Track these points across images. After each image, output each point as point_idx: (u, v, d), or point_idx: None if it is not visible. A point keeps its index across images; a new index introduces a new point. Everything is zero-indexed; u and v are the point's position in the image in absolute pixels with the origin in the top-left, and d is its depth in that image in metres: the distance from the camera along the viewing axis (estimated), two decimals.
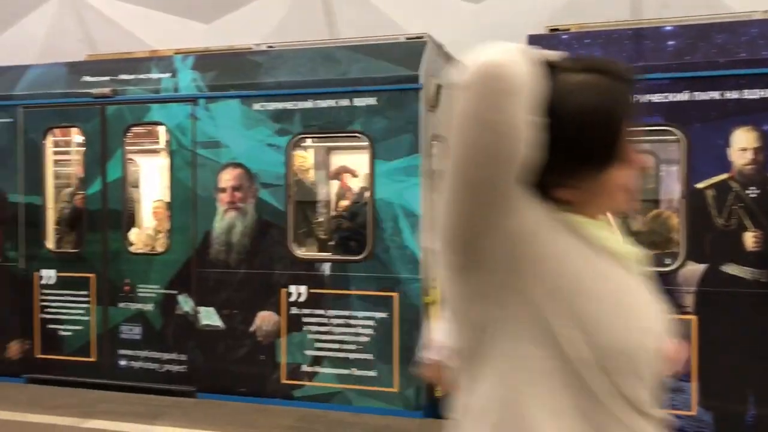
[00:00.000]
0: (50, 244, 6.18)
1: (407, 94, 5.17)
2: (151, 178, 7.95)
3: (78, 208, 6.48)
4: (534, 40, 4.79)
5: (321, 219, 6.42)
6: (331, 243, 6.16)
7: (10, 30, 9.22)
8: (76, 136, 7.19)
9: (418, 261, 5.16)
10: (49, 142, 6.20)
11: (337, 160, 7.65)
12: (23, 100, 6.13)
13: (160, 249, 6.19)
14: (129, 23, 8.69)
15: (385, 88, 5.20)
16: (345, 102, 5.31)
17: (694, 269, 4.59)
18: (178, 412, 5.25)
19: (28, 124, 6.11)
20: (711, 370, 4.52)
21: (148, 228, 7.18)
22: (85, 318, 5.98)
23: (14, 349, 6.17)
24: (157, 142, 7.48)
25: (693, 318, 4.56)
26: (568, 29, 5.29)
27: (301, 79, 5.44)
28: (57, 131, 6.50)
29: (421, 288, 5.17)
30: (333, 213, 6.37)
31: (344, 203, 6.82)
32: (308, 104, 5.38)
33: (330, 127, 5.43)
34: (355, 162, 7.44)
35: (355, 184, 7.32)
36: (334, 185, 7.42)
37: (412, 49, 5.34)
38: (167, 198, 7.46)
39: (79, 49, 8.50)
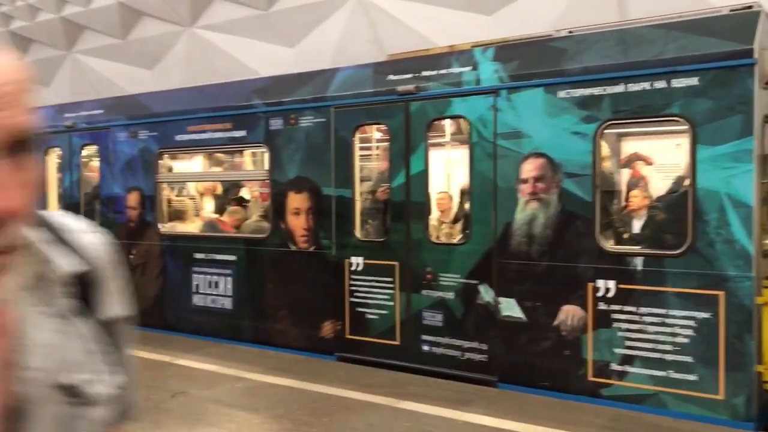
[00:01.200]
0: (358, 233, 6.65)
1: (738, 71, 4.65)
2: (435, 171, 8.18)
3: (380, 201, 6.90)
4: None
5: (623, 210, 6.08)
6: (638, 235, 5.80)
7: (308, 37, 10.06)
8: (376, 133, 7.67)
9: (750, 257, 4.63)
10: (357, 139, 6.66)
11: (629, 147, 7.23)
12: (335, 101, 6.65)
13: (455, 240, 6.33)
14: (414, 21, 9.02)
15: (710, 66, 4.74)
16: (661, 84, 4.94)
17: None
18: (484, 401, 5.31)
19: (338, 123, 6.62)
20: None
21: (431, 219, 7.39)
22: (390, 303, 6.33)
23: (327, 328, 6.75)
24: (443, 136, 7.69)
25: None
26: None
27: (611, 63, 5.18)
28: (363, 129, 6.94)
29: (754, 287, 4.64)
30: (636, 204, 5.99)
31: (640, 193, 6.40)
32: (618, 89, 5.10)
33: (643, 112, 5.08)
34: (647, 148, 6.98)
35: (649, 172, 6.86)
36: (625, 174, 7.02)
37: (743, 21, 4.79)
38: (451, 190, 7.72)
39: (369, 51, 9.06)
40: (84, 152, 9.08)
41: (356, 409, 5.14)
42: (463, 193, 7.37)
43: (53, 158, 9.53)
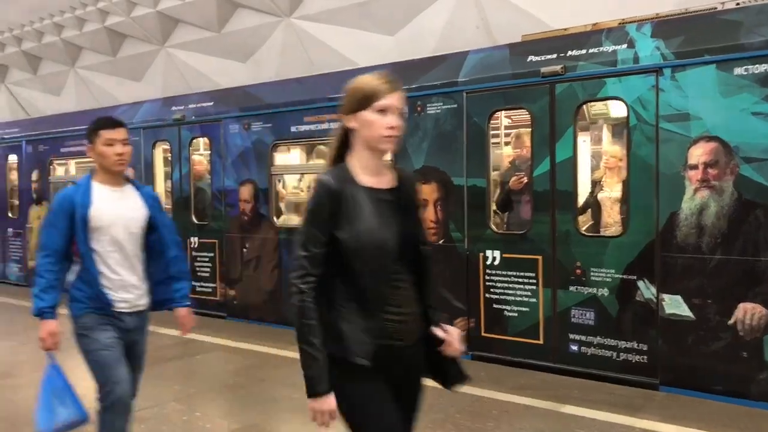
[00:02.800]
0: (494, 225, 6.28)
1: None
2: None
3: (512, 190, 6.52)
4: None
5: None
6: None
7: (407, 26, 9.68)
8: (504, 119, 7.29)
9: None
10: (491, 125, 6.29)
11: None
12: (467, 86, 6.29)
13: (615, 232, 5.88)
14: (526, 3, 8.51)
15: None
16: None
17: None
18: (654, 406, 4.88)
19: (471, 109, 6.27)
20: None
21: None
22: (533, 300, 5.95)
23: (459, 326, 6.41)
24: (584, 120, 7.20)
25: None
26: None
27: None
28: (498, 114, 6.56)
29: None
30: None
31: None
32: None
33: None
34: None
35: None
36: None
37: None
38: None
39: (476, 38, 8.61)
40: (193, 145, 9.00)
41: (517, 413, 4.79)
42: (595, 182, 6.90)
43: (159, 152, 9.50)
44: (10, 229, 11.94)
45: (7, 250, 11.95)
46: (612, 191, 6.43)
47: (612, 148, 6.82)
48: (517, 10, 8.46)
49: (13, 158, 11.99)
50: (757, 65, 4.81)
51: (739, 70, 4.88)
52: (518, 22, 8.08)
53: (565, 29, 6.26)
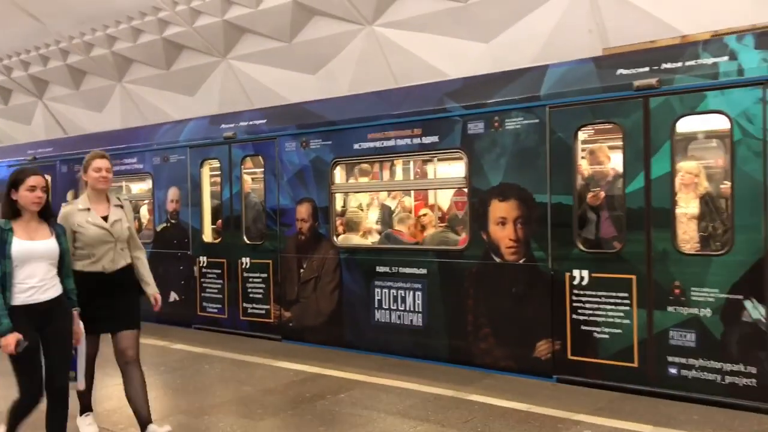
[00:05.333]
0: (581, 244, 6.08)
1: None
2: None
3: (592, 206, 6.32)
4: None
5: None
6: None
7: (505, 32, 9.03)
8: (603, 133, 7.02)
9: None
10: (579, 141, 6.11)
11: None
12: (551, 100, 6.13)
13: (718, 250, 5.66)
14: (648, 3, 7.81)
15: None
16: None
17: None
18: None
19: (555, 124, 6.09)
20: None
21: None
22: (626, 321, 5.73)
23: (544, 348, 6.19)
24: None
25: None
26: None
27: None
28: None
29: None
30: None
31: None
32: None
33: None
34: None
35: None
36: None
37: None
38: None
39: (589, 42, 8.07)
40: (246, 164, 8.81)
41: None
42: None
43: (207, 170, 9.30)
44: None
45: None
46: (688, 207, 6.21)
47: (687, 164, 6.63)
48: (638, 12, 7.85)
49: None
50: None
51: None
52: (636, 25, 7.58)
53: (653, 42, 6.11)
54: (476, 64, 8.31)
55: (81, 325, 4.43)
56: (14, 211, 4.12)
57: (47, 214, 4.25)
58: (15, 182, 4.11)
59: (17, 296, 4.01)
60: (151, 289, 4.97)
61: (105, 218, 4.70)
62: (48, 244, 4.17)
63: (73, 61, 14.06)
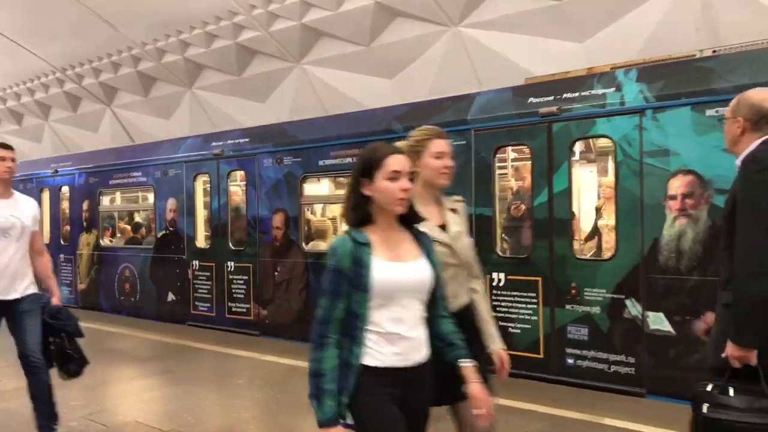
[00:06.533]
0: (499, 250, 6.93)
1: None
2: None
3: (515, 218, 7.18)
4: None
5: None
6: None
7: (604, 30, 8.62)
8: (512, 153, 7.96)
9: None
10: (497, 160, 6.98)
11: None
12: (475, 124, 7.01)
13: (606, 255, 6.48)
14: None
15: None
16: None
17: None
18: (627, 410, 5.43)
19: (479, 145, 6.97)
20: None
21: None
22: (534, 318, 6.56)
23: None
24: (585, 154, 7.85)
25: None
26: None
27: (762, 81, 5.27)
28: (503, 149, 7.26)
29: None
30: None
31: None
32: None
33: None
34: None
35: None
36: None
37: None
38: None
39: (695, 40, 7.60)
40: (231, 178, 9.86)
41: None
42: (597, 209, 7.54)
43: (202, 183, 10.37)
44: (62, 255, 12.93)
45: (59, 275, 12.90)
46: (609, 219, 7.03)
47: (607, 180, 7.44)
48: (756, 7, 7.37)
49: (65, 189, 13.00)
50: (726, 107, 5.42)
51: (710, 112, 5.51)
52: (752, 22, 7.15)
53: (566, 73, 6.95)
54: (568, 65, 7.83)
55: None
56: (366, 215, 2.55)
57: (413, 219, 2.64)
58: (369, 166, 2.52)
59: (376, 353, 2.46)
60: (497, 344, 3.25)
61: (441, 227, 3.14)
62: (420, 269, 2.55)
63: (144, 67, 13.90)
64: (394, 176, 2.47)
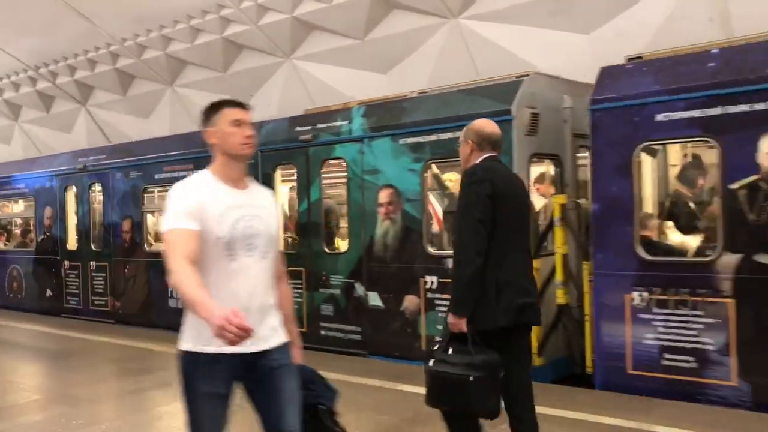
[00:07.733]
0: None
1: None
2: None
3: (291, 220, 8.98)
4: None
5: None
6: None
7: (610, 22, 8.37)
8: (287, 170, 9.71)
9: None
10: (278, 175, 8.77)
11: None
12: (261, 147, 8.78)
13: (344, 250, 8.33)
14: None
15: None
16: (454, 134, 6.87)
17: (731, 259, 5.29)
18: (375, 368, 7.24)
19: (264, 164, 8.74)
20: (747, 346, 5.19)
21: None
22: (299, 299, 8.37)
23: None
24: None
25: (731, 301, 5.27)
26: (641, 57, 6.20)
27: (428, 118, 7.16)
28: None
29: None
30: None
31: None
32: (433, 138, 7.08)
33: (450, 156, 7.00)
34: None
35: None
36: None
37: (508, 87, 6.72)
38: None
39: (707, 32, 7.36)
40: (92, 189, 11.48)
41: None
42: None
43: (71, 194, 11.96)
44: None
45: None
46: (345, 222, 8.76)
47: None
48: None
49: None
50: (409, 138, 7.29)
51: (402, 140, 7.37)
52: (766, 11, 7.01)
53: (329, 107, 8.77)
54: (573, 58, 7.94)
55: None
56: None
57: None
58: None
59: None
60: None
61: None
62: None
63: (123, 64, 13.33)
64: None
